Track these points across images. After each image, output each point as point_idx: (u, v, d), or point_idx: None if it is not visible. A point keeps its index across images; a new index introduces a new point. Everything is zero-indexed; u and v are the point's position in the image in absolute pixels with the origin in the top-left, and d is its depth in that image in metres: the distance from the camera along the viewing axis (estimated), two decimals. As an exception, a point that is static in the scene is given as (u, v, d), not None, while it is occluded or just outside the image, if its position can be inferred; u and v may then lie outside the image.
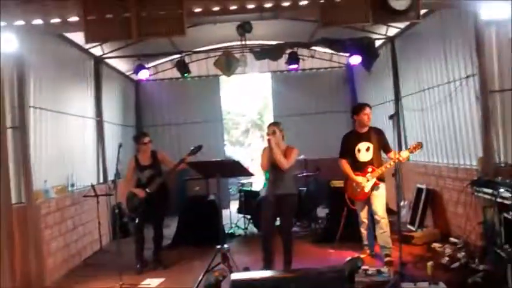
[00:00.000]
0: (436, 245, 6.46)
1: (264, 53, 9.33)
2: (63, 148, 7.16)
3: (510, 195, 4.84)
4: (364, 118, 6.05)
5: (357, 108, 6.20)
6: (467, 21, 6.22)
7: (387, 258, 5.79)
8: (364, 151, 6.03)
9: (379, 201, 5.95)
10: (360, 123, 6.10)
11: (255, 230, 8.38)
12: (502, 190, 4.99)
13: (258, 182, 9.94)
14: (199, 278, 5.08)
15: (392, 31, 8.82)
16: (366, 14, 5.39)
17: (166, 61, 11.51)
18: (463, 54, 6.58)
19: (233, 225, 8.82)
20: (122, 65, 10.24)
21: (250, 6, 5.65)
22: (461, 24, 6.45)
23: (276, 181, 5.66)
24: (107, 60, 9.30)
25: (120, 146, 5.85)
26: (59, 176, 6.89)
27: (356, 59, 8.65)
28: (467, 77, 6.50)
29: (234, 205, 9.64)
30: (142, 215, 6.40)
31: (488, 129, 6.01)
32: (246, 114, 23.76)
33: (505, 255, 4.82)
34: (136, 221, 6.44)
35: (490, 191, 5.28)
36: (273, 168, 5.67)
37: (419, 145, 6.00)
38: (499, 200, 5.03)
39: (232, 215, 9.06)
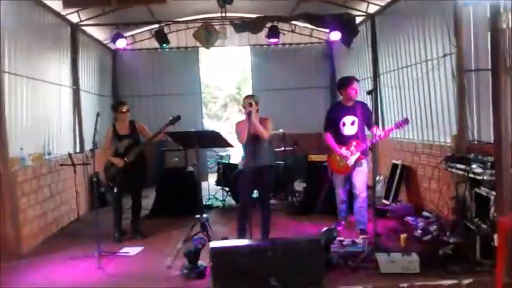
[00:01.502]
0: (409, 219, 6.66)
1: (245, 25, 9.26)
2: (40, 116, 7.05)
3: (481, 170, 5.00)
4: (352, 93, 5.95)
5: (345, 82, 6.04)
6: (446, 0, 6.28)
7: (363, 236, 5.84)
8: (349, 125, 5.96)
9: (361, 176, 5.95)
10: (347, 97, 6.00)
11: (233, 202, 8.46)
12: (474, 166, 5.15)
13: (236, 154, 9.99)
14: (179, 246, 5.13)
15: (372, 8, 8.86)
16: (349, -12, 5.39)
17: (145, 30, 11.33)
18: (441, 33, 6.66)
19: (211, 197, 8.89)
20: (99, 33, 10.02)
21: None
22: (440, 3, 6.50)
23: (255, 153, 5.63)
24: (84, 28, 9.08)
25: (97, 115, 5.76)
26: (35, 143, 6.80)
27: (336, 35, 8.67)
28: (444, 55, 6.60)
29: (212, 177, 9.68)
30: (120, 184, 6.37)
31: (462, 108, 6.15)
32: (224, 89, 23.65)
33: (474, 228, 5.01)
34: (115, 190, 6.42)
35: (462, 166, 5.44)
36: (251, 140, 5.65)
37: (406, 121, 5.90)
38: (471, 175, 5.20)
39: (210, 187, 9.12)
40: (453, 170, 5.74)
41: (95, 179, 6.00)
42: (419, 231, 5.93)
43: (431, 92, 7.16)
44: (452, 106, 6.50)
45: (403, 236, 4.86)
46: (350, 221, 6.31)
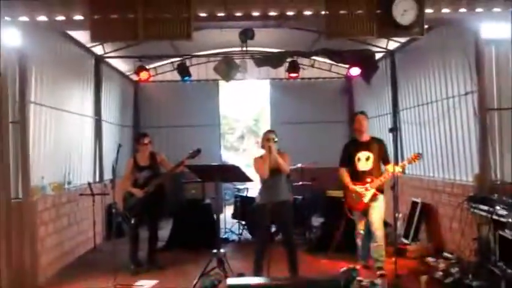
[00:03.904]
0: (429, 259, 6.48)
1: (265, 60, 9.36)
2: (61, 145, 7.16)
3: (506, 212, 4.90)
4: (357, 125, 6.07)
5: (352, 118, 6.31)
6: (467, 38, 6.29)
7: (380, 272, 5.76)
8: (364, 160, 5.97)
9: (377, 212, 5.90)
10: (355, 131, 6.14)
11: (249, 236, 8.37)
12: (498, 207, 5.05)
13: (253, 188, 9.95)
14: (195, 281, 5.08)
15: (392, 45, 8.91)
16: (371, 28, 5.43)
17: (167, 63, 11.53)
18: (462, 71, 6.67)
19: (227, 230, 8.82)
20: (122, 65, 10.26)
21: (255, 13, 5.67)
22: (461, 41, 6.53)
23: (273, 188, 5.62)
24: (108, 60, 9.30)
25: (119, 146, 5.85)
26: (56, 173, 6.89)
27: (355, 71, 8.74)
28: (466, 93, 6.58)
29: (229, 210, 9.63)
30: (138, 215, 6.39)
31: (485, 146, 6.08)
32: (241, 120, 23.80)
33: (499, 272, 4.87)
34: (132, 221, 6.43)
35: (485, 207, 5.34)
36: (270, 174, 5.67)
37: (417, 156, 5.96)
38: (494, 217, 5.09)
39: (226, 220, 9.07)
40: (476, 210, 5.64)
41: (113, 209, 6.02)
42: (440, 273, 5.76)
43: (452, 129, 7.10)
44: (474, 145, 6.43)
45: (423, 277, 4.75)
46: (369, 260, 6.19)
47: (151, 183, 6.36)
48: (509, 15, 4.87)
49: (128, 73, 10.80)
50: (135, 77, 10.56)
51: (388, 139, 6.56)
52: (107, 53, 8.94)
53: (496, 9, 5.41)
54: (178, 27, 5.43)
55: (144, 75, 9.33)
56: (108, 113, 9.49)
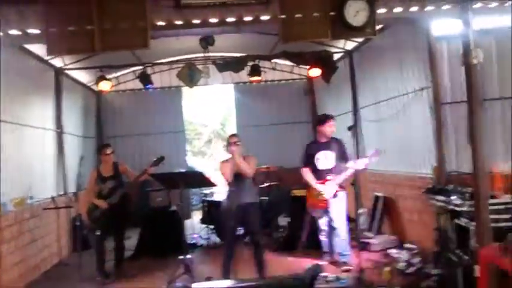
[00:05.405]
0: (392, 251, 6.68)
1: (227, 65, 9.43)
2: (22, 160, 7.00)
3: (461, 202, 5.10)
4: (328, 130, 6.29)
5: (322, 120, 6.42)
6: (420, 36, 6.51)
7: (345, 267, 5.93)
8: (324, 159, 6.23)
9: (339, 208, 6.12)
10: (323, 133, 6.32)
11: (217, 240, 8.40)
12: (453, 197, 5.26)
13: (220, 192, 9.98)
14: (163, 288, 5.09)
15: (350, 45, 9.12)
16: (325, 30, 5.51)
17: (129, 72, 11.43)
18: (417, 67, 6.88)
19: (195, 236, 8.82)
20: (83, 76, 10.12)
21: (213, 20, 5.70)
22: (414, 39, 6.75)
23: (239, 191, 5.72)
24: (68, 72, 9.18)
25: (81, 158, 5.81)
26: (18, 188, 6.73)
27: (315, 72, 8.89)
28: (421, 89, 6.79)
29: (197, 215, 9.64)
30: (103, 226, 6.34)
31: (440, 140, 6.32)
32: (208, 125, 23.76)
33: (456, 259, 5.06)
34: (98, 232, 6.37)
35: (442, 198, 5.54)
36: (236, 178, 5.75)
37: (377, 153, 6.17)
38: (451, 207, 5.29)
39: (194, 225, 9.07)
40: (434, 201, 5.83)
41: (77, 222, 5.96)
42: (403, 264, 5.94)
43: (410, 124, 7.31)
44: (431, 138, 6.63)
45: (386, 269, 4.90)
46: (334, 256, 6.32)
47: (116, 193, 6.33)
48: (458, 11, 5.07)
49: (89, 84, 10.67)
50: (96, 88, 10.44)
51: (348, 137, 6.71)
52: (67, 64, 8.82)
53: (445, 7, 5.60)
54: (135, 36, 5.41)
55: (105, 85, 9.23)
56: (70, 125, 9.35)
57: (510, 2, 5.43)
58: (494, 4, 5.51)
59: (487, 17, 5.87)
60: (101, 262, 6.42)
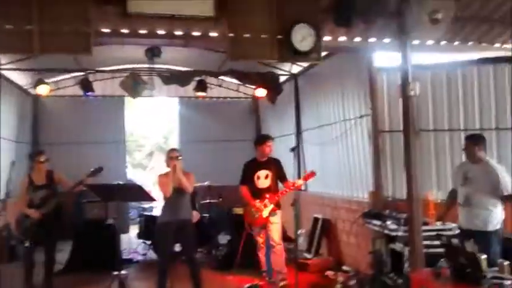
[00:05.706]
0: (329, 273, 6.80)
1: (172, 78, 9.35)
2: None
3: (396, 227, 5.29)
4: (266, 150, 6.41)
5: (260, 140, 6.57)
6: (362, 66, 6.79)
7: (282, 283, 6.02)
8: (263, 178, 6.35)
9: (275, 227, 6.24)
10: (261, 153, 6.44)
11: (154, 256, 8.20)
12: (389, 222, 5.44)
13: (159, 206, 9.79)
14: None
15: (296, 69, 9.33)
16: (272, 52, 5.61)
17: (69, 78, 11.03)
18: (358, 95, 7.14)
19: (131, 251, 8.57)
20: (20, 78, 9.66)
21: (161, 31, 5.65)
22: (357, 68, 7.01)
23: (175, 206, 5.63)
24: (3, 72, 8.73)
25: (12, 163, 5.50)
26: None
27: (261, 92, 9.03)
28: (361, 116, 7.05)
29: (134, 229, 9.38)
30: (33, 237, 5.99)
31: (378, 166, 6.59)
32: (150, 137, 23.35)
33: (390, 282, 5.23)
34: (27, 244, 6.02)
35: (378, 222, 5.73)
36: (174, 193, 5.66)
37: (313, 174, 6.40)
38: (386, 231, 5.47)
39: (131, 240, 8.81)
40: (370, 225, 6.02)
41: (4, 232, 5.63)
42: (339, 286, 6.06)
43: (349, 149, 7.55)
44: (369, 164, 6.87)
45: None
46: (271, 274, 6.36)
47: (48, 203, 6.02)
48: (398, 45, 5.33)
49: (26, 87, 10.21)
50: (34, 91, 10.01)
51: (290, 158, 6.81)
52: (3, 64, 8.39)
53: (386, 40, 5.88)
54: (77, 41, 5.23)
55: (43, 89, 8.88)
56: (3, 129, 8.87)
57: (445, 42, 5.83)
58: (431, 42, 5.87)
59: (424, 54, 6.24)
60: (29, 275, 6.04)
